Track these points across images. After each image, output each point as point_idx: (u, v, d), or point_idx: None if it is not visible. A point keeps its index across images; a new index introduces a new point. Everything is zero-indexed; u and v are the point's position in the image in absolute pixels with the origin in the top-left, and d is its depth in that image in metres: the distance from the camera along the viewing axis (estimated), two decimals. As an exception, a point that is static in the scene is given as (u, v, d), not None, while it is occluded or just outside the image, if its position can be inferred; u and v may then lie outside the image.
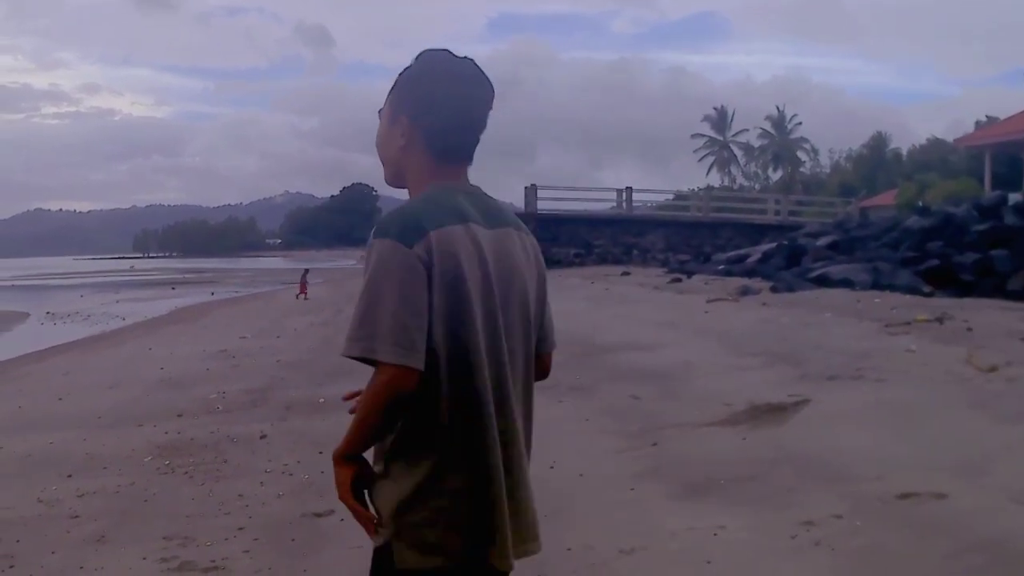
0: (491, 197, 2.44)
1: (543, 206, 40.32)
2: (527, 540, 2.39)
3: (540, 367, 2.53)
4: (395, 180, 2.45)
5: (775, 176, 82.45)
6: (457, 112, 2.35)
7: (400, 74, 2.44)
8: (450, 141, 2.37)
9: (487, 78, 2.41)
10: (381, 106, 2.49)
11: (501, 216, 2.39)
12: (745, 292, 19.29)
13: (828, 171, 77.04)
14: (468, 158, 2.42)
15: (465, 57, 2.41)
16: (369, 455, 2.35)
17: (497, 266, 2.30)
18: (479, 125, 2.41)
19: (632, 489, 6.37)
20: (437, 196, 2.29)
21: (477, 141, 2.42)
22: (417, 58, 2.43)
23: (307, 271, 31.82)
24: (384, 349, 2.14)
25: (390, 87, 2.47)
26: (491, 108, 2.42)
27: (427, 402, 2.22)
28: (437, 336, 2.19)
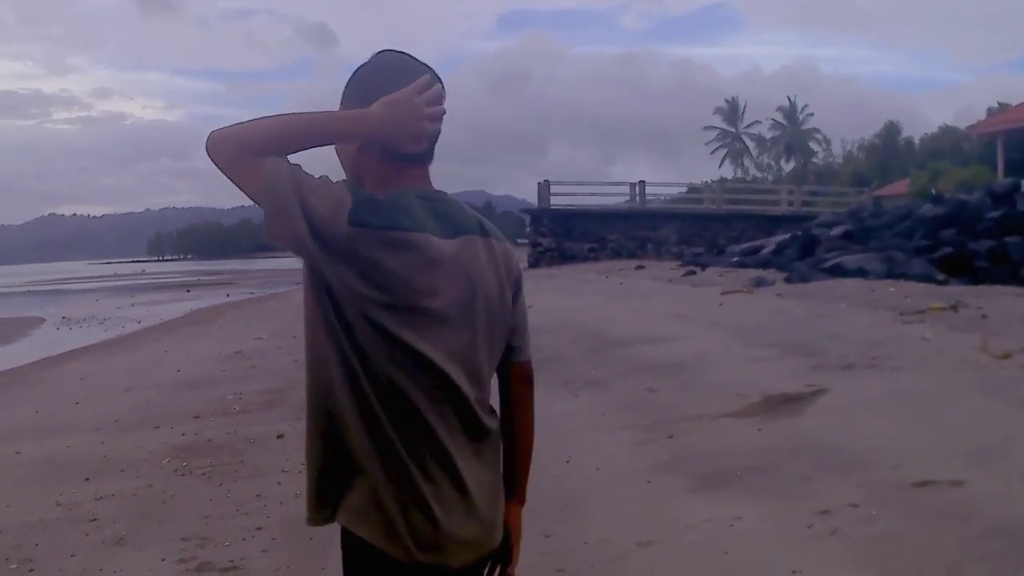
0: (454, 201, 2.29)
1: (556, 201, 40.39)
2: (461, 543, 2.24)
3: (518, 378, 2.46)
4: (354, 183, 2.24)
5: (788, 167, 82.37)
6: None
7: (352, 74, 2.33)
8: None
9: (436, 76, 2.25)
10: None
11: (462, 224, 2.25)
12: (759, 283, 19.27)
13: (841, 161, 76.91)
14: (424, 158, 2.27)
15: (411, 57, 2.30)
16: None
17: (455, 277, 2.18)
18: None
19: (648, 482, 6.38)
20: (399, 200, 2.14)
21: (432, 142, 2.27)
22: (370, 59, 2.34)
23: None
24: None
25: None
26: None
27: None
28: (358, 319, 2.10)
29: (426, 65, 2.28)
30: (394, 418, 2.15)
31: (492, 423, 2.34)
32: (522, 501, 2.49)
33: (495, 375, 2.39)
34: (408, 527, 2.17)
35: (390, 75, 2.21)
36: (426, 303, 2.13)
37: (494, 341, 2.30)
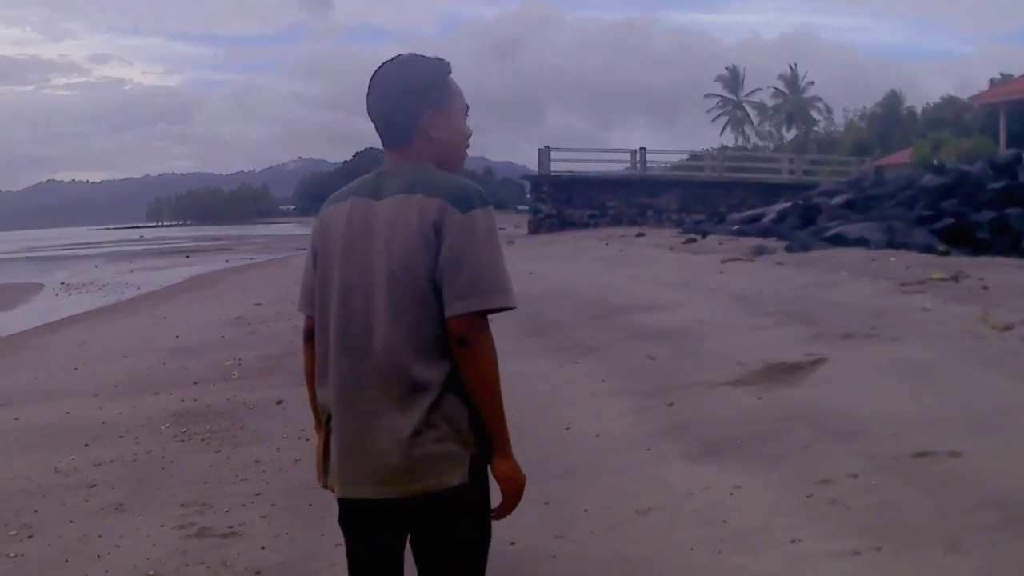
0: (403, 171, 2.62)
1: (556, 168, 40.27)
2: (356, 481, 2.56)
3: (451, 335, 2.48)
4: None
5: (789, 135, 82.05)
6: (369, 107, 2.70)
7: None
8: (376, 130, 2.73)
9: (386, 73, 2.68)
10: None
11: (394, 187, 2.59)
12: (760, 252, 19.21)
13: (842, 130, 76.56)
14: (392, 142, 2.68)
15: (396, 56, 2.73)
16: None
17: (353, 233, 2.59)
18: (381, 115, 2.69)
19: (648, 449, 6.38)
20: (359, 179, 2.73)
21: (392, 127, 2.68)
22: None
23: None
24: None
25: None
26: (390, 97, 2.66)
27: None
28: None
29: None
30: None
31: (425, 373, 2.49)
32: (502, 454, 2.58)
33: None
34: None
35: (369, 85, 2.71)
36: (331, 258, 2.62)
37: (400, 290, 2.50)
